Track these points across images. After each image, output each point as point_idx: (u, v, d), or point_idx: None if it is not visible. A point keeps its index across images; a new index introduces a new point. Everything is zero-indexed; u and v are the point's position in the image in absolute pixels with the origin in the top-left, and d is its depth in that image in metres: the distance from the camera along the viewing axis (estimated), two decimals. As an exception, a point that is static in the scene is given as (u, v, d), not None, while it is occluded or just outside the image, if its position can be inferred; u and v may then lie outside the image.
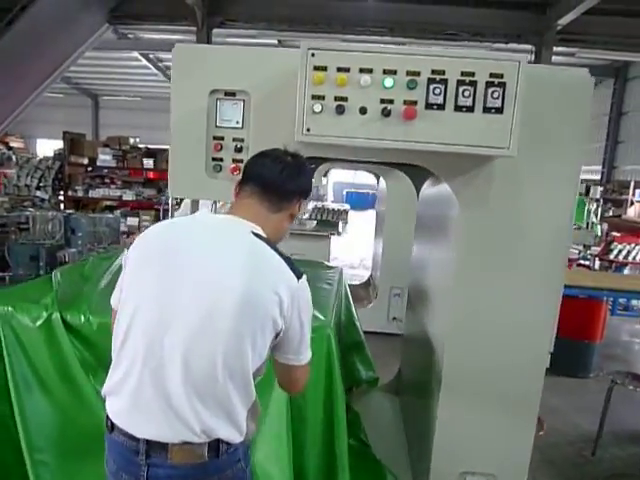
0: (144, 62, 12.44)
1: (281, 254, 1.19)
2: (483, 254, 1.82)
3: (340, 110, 1.54)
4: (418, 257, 2.93)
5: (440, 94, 1.51)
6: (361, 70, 1.52)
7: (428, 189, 2.72)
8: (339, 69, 1.53)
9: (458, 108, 1.51)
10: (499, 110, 1.50)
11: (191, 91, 1.82)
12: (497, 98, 1.49)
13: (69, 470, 1.86)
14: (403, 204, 4.36)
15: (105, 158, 8.21)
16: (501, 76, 1.49)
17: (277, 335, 1.18)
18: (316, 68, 1.53)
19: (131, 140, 8.59)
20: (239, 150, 1.83)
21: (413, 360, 2.79)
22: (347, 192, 19.35)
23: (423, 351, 2.30)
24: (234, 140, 1.84)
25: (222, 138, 1.84)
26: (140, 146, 8.58)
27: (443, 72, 1.50)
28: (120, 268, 1.38)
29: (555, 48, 7.45)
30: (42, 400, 1.84)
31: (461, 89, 1.50)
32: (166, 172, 1.96)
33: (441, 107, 1.52)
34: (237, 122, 1.83)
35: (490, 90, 1.49)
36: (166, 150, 8.26)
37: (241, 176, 1.34)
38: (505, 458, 1.95)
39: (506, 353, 1.86)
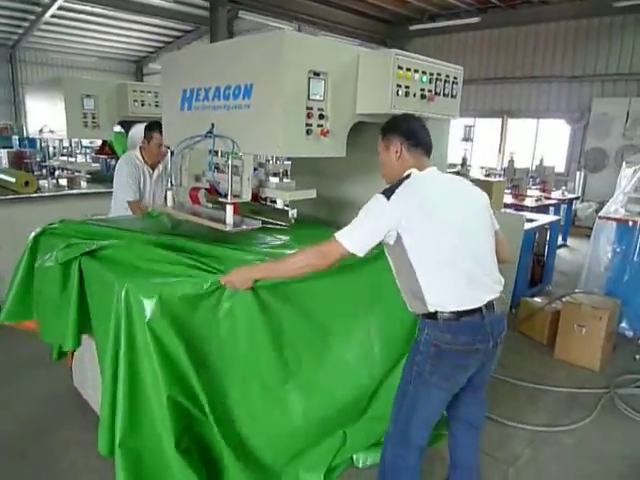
0: None
1: None
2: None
3: (407, 95, 2.52)
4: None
5: (440, 86, 2.72)
6: (415, 70, 2.53)
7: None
8: (407, 69, 2.48)
9: (445, 95, 2.78)
10: (454, 96, 2.86)
11: (296, 71, 2.27)
12: (455, 89, 2.85)
13: None
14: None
15: None
16: (456, 77, 2.84)
17: None
18: (399, 67, 2.43)
19: None
20: (322, 117, 2.45)
21: None
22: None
23: None
24: (318, 109, 2.43)
25: (312, 108, 2.40)
26: None
27: (440, 74, 2.71)
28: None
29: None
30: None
31: (446, 84, 2.76)
32: None
33: (439, 94, 2.74)
34: (320, 96, 2.42)
35: (452, 84, 2.82)
36: None
37: (405, 138, 2.12)
38: None
39: None
